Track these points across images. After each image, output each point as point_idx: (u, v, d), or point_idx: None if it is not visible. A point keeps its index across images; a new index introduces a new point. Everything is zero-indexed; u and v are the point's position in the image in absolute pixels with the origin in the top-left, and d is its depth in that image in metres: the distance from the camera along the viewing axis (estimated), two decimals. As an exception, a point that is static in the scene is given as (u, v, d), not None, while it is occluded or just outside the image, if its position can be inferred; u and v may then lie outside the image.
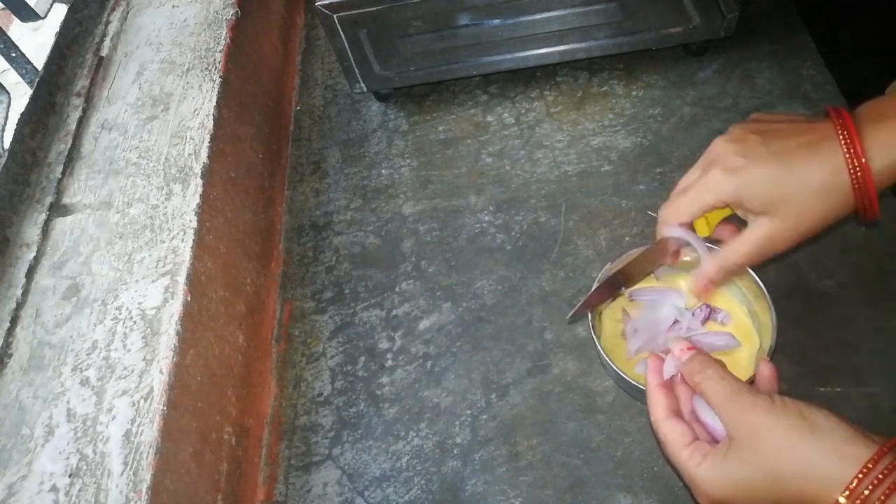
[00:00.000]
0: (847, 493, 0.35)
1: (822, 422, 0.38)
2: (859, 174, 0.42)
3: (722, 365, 0.44)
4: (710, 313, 0.58)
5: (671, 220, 0.50)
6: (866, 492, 0.35)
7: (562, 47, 0.74)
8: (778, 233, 0.46)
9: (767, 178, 0.45)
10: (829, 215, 0.45)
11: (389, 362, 0.66)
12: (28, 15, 0.72)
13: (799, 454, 0.37)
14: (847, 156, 0.43)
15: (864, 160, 0.42)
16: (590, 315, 0.57)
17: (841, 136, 0.43)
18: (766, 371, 0.46)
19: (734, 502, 0.40)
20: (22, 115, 0.66)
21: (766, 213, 0.45)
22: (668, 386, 0.47)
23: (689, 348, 0.46)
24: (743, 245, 0.48)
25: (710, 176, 0.47)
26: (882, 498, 0.35)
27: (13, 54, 0.70)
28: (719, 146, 0.49)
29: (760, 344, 0.55)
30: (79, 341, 0.55)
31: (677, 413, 0.46)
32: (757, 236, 0.47)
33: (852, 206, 0.44)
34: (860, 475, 0.35)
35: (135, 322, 0.55)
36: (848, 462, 0.36)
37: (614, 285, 0.55)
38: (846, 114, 0.44)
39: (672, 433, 0.44)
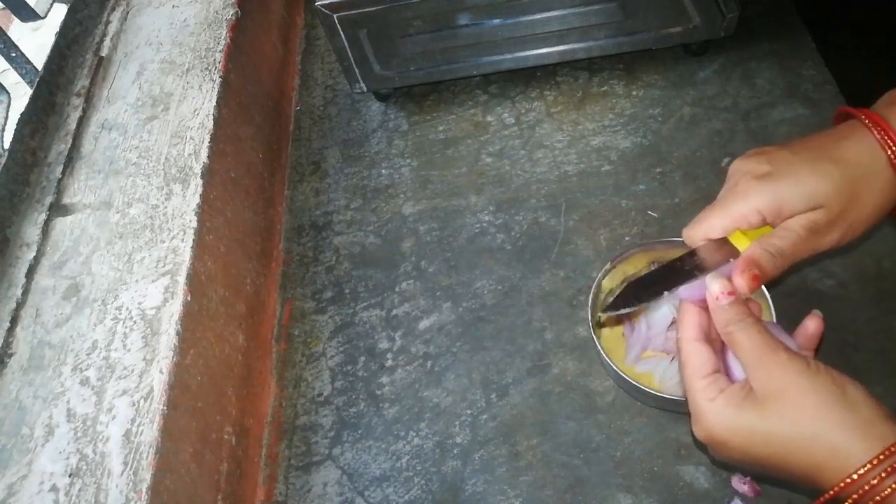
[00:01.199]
0: (863, 470, 0.34)
1: (855, 394, 0.37)
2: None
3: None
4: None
5: (698, 237, 0.45)
6: (883, 474, 0.34)
7: (562, 47, 0.74)
8: (826, 223, 0.42)
9: (804, 174, 0.42)
10: (874, 203, 0.42)
11: (389, 362, 0.66)
12: (28, 15, 0.72)
13: (822, 421, 0.36)
14: (879, 136, 0.41)
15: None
16: (590, 315, 0.57)
17: (866, 121, 0.42)
18: (812, 327, 0.44)
19: (732, 446, 0.39)
20: (22, 115, 0.66)
21: (812, 209, 0.42)
22: (706, 307, 0.44)
23: (729, 293, 0.42)
24: (784, 233, 0.43)
25: (741, 185, 0.43)
26: (894, 486, 0.33)
27: (13, 54, 0.70)
28: (738, 163, 0.45)
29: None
30: (79, 341, 0.55)
31: (707, 338, 0.43)
32: (801, 224, 0.42)
33: (894, 194, 0.42)
34: (880, 457, 0.34)
35: (135, 322, 0.55)
36: (870, 440, 0.35)
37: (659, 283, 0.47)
38: (865, 109, 0.43)
39: (695, 356, 0.42)
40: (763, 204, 0.43)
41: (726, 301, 0.42)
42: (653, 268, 0.61)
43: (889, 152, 0.41)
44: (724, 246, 0.45)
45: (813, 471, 0.36)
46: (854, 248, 0.52)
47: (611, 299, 0.47)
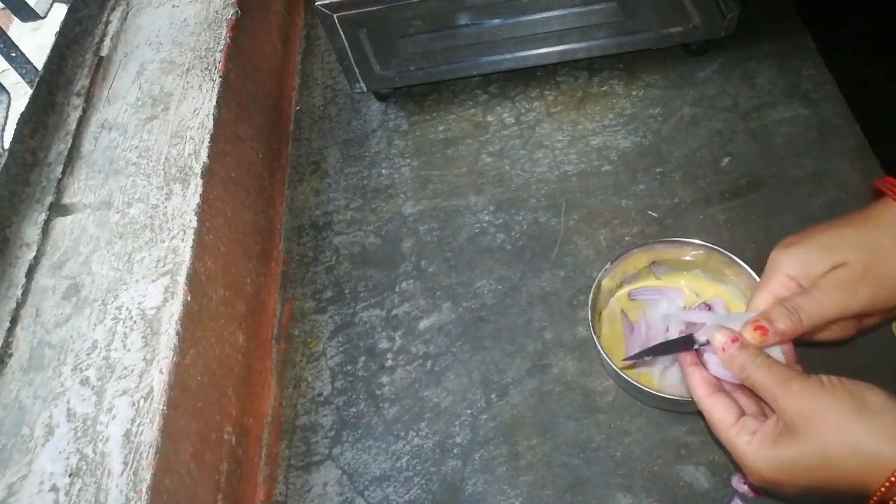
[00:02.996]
0: (894, 478, 0.35)
1: (874, 401, 0.37)
2: None
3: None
4: (710, 311, 0.58)
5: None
6: None
7: (562, 47, 0.74)
8: (852, 277, 0.43)
9: (827, 237, 0.44)
10: None
11: (389, 362, 0.66)
12: (28, 15, 0.72)
13: (849, 435, 0.37)
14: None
15: None
16: (590, 314, 0.57)
17: (887, 189, 0.44)
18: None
19: (783, 483, 0.40)
20: (22, 115, 0.66)
21: (836, 267, 0.43)
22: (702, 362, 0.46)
23: (733, 340, 0.44)
24: (812, 290, 0.44)
25: (772, 257, 0.46)
26: None
27: (13, 54, 0.70)
28: (773, 251, 0.48)
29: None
30: (79, 341, 0.55)
31: (718, 388, 0.45)
32: (827, 281, 0.43)
33: None
34: None
35: (135, 322, 0.55)
36: (892, 445, 0.35)
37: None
38: (890, 178, 0.45)
39: (716, 411, 0.43)
40: (791, 268, 0.45)
41: (732, 349, 0.44)
42: (653, 269, 0.61)
43: None
44: None
45: (858, 484, 0.37)
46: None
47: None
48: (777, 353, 0.45)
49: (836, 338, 0.47)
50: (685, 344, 0.48)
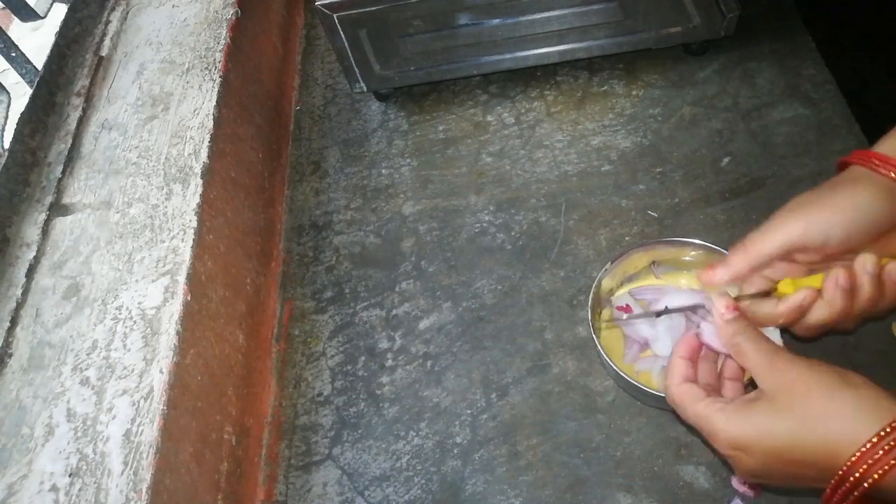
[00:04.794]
0: (865, 448, 0.35)
1: (856, 379, 0.38)
2: (887, 170, 0.42)
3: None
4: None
5: (721, 280, 0.46)
6: (885, 448, 0.35)
7: (562, 47, 0.74)
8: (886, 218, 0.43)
9: (819, 204, 0.44)
10: (869, 206, 0.43)
11: (389, 362, 0.66)
12: (28, 15, 0.72)
13: (830, 406, 0.38)
14: (870, 165, 0.43)
15: (887, 156, 0.43)
16: (590, 314, 0.57)
17: (857, 159, 0.44)
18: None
19: (753, 449, 0.40)
20: (22, 114, 0.66)
21: (856, 221, 0.43)
22: (692, 358, 0.47)
23: (734, 308, 0.44)
24: (829, 304, 0.44)
25: (765, 225, 0.45)
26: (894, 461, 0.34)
27: (13, 54, 0.70)
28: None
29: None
30: (79, 341, 0.55)
31: (691, 380, 0.45)
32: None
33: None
34: (881, 433, 0.35)
35: (135, 322, 0.55)
36: (874, 420, 0.36)
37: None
38: (859, 151, 0.45)
39: (684, 394, 0.44)
40: (792, 234, 0.44)
41: (731, 315, 0.44)
42: (653, 268, 0.61)
43: (879, 172, 0.43)
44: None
45: (831, 455, 0.37)
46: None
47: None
48: (776, 336, 0.46)
49: (834, 320, 0.46)
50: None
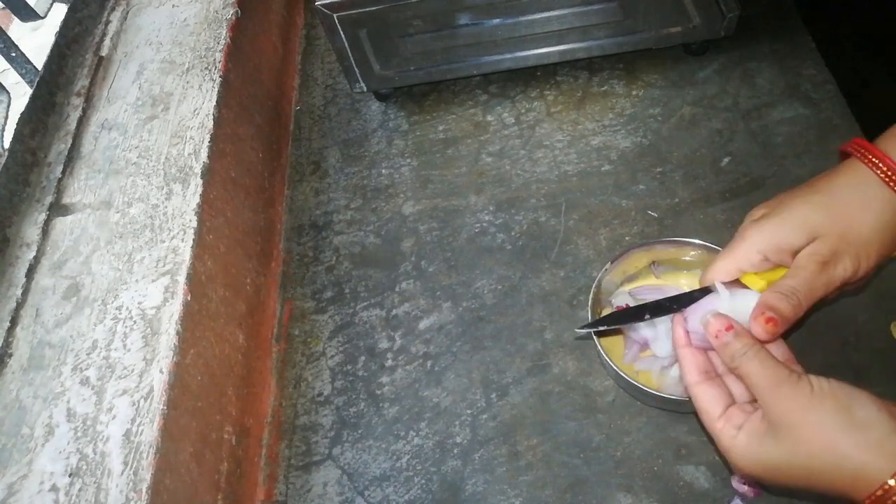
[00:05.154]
0: (880, 492, 0.35)
1: (862, 414, 0.37)
2: (887, 172, 0.42)
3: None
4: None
5: (708, 281, 0.48)
6: None
7: (562, 47, 0.74)
8: (830, 251, 0.43)
9: (796, 210, 0.44)
10: (877, 222, 0.43)
11: (389, 362, 0.66)
12: (28, 15, 0.72)
13: (836, 448, 0.37)
14: (864, 159, 0.43)
15: (886, 158, 0.42)
16: (590, 314, 0.57)
17: (856, 152, 0.44)
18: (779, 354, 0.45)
19: (767, 480, 0.40)
20: (22, 114, 0.66)
21: (810, 242, 0.44)
22: (701, 348, 0.46)
23: (727, 328, 0.43)
24: (796, 270, 0.43)
25: (741, 231, 0.47)
26: None
27: (13, 54, 0.70)
28: (748, 214, 0.49)
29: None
30: (79, 341, 0.55)
31: (709, 374, 0.45)
32: (807, 258, 0.43)
33: None
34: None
35: (135, 322, 0.55)
36: (886, 458, 0.35)
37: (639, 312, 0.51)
38: (860, 140, 0.45)
39: (705, 401, 0.43)
40: (762, 243, 0.45)
41: (726, 337, 0.43)
42: (653, 268, 0.61)
43: (879, 172, 0.43)
44: (736, 287, 0.47)
45: (844, 495, 0.37)
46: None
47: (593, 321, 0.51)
48: (754, 300, 0.45)
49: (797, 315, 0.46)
50: (636, 314, 0.49)
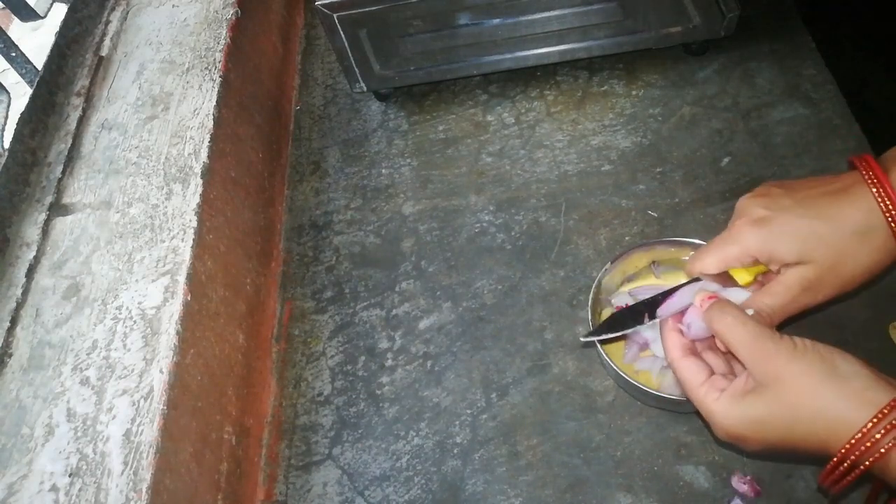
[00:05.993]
0: (859, 435, 0.36)
1: (844, 366, 0.38)
2: (893, 212, 0.42)
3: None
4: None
5: (694, 271, 0.49)
6: (877, 436, 0.35)
7: (562, 47, 0.74)
8: (817, 279, 0.43)
9: (797, 226, 0.44)
10: (869, 260, 0.43)
11: (389, 362, 0.66)
12: (28, 14, 0.72)
13: (818, 398, 0.38)
14: (877, 195, 0.42)
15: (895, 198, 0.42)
16: (590, 314, 0.57)
17: (868, 179, 0.43)
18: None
19: (749, 438, 0.41)
20: (22, 114, 0.66)
21: (802, 263, 0.44)
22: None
23: (710, 297, 0.45)
24: (779, 289, 0.44)
25: (735, 227, 0.46)
26: (892, 444, 0.35)
27: (13, 54, 0.70)
28: (743, 202, 0.48)
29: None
30: (79, 341, 0.55)
31: (692, 350, 0.46)
32: (794, 280, 0.44)
33: (893, 251, 0.43)
34: (874, 419, 0.36)
35: (135, 322, 0.55)
36: (864, 406, 0.36)
37: (636, 314, 0.51)
38: (870, 158, 0.44)
39: (687, 371, 0.44)
40: (755, 248, 0.45)
41: (709, 304, 0.45)
42: (653, 268, 0.61)
43: (886, 212, 0.42)
44: (723, 278, 0.48)
45: (822, 446, 0.38)
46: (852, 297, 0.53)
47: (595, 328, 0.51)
48: (742, 296, 0.46)
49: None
50: (635, 317, 0.50)
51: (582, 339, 0.56)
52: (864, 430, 0.36)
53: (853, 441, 0.36)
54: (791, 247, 0.44)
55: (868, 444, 0.36)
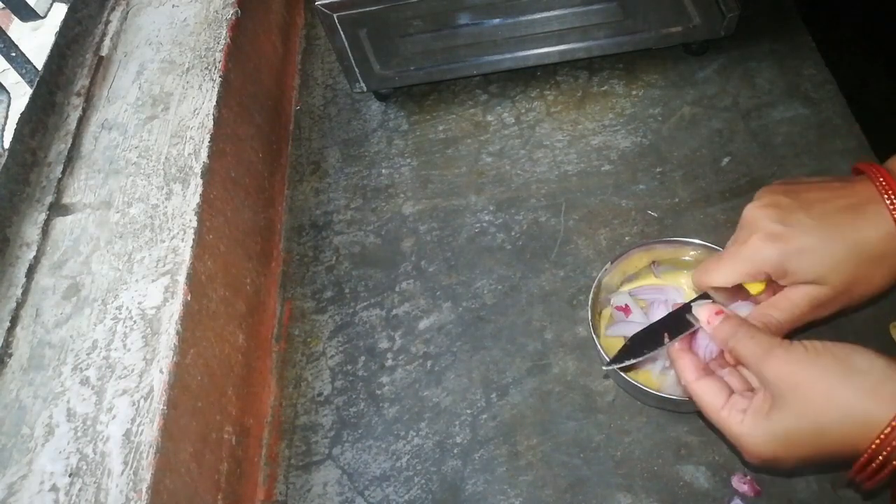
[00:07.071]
0: (888, 430, 0.35)
1: (859, 362, 0.37)
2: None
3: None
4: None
5: (703, 285, 0.48)
6: None
7: (562, 47, 0.74)
8: (828, 300, 0.43)
9: (815, 248, 0.42)
10: (882, 282, 0.43)
11: (389, 362, 0.66)
12: (28, 14, 0.72)
13: (839, 400, 0.37)
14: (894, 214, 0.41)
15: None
16: (590, 314, 0.57)
17: (886, 198, 0.42)
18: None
19: (781, 457, 0.40)
20: (22, 114, 0.66)
21: (816, 283, 0.43)
22: (691, 347, 0.47)
23: (717, 312, 0.44)
24: (786, 305, 0.44)
25: (750, 243, 0.44)
26: None
27: (13, 54, 0.70)
28: (753, 212, 0.45)
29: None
30: (79, 341, 0.55)
31: (706, 370, 0.45)
32: (804, 298, 0.43)
33: None
34: None
35: (135, 322, 0.55)
36: (886, 402, 0.36)
37: (655, 337, 0.49)
38: (885, 172, 0.42)
39: (706, 395, 0.43)
40: (769, 266, 0.44)
41: (717, 321, 0.44)
42: (653, 268, 0.61)
43: None
44: (730, 292, 0.47)
45: (851, 448, 0.37)
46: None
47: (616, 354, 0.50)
48: (745, 311, 0.46)
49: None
50: (655, 339, 0.49)
51: (604, 368, 0.54)
52: (889, 429, 0.35)
53: (883, 436, 0.35)
54: (808, 269, 0.43)
55: (894, 443, 0.35)
